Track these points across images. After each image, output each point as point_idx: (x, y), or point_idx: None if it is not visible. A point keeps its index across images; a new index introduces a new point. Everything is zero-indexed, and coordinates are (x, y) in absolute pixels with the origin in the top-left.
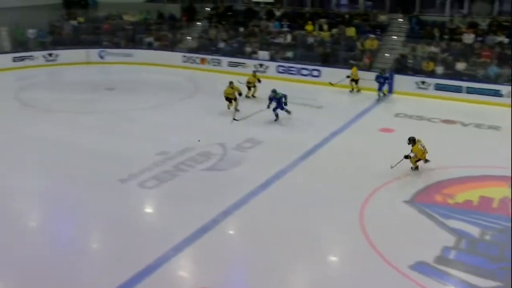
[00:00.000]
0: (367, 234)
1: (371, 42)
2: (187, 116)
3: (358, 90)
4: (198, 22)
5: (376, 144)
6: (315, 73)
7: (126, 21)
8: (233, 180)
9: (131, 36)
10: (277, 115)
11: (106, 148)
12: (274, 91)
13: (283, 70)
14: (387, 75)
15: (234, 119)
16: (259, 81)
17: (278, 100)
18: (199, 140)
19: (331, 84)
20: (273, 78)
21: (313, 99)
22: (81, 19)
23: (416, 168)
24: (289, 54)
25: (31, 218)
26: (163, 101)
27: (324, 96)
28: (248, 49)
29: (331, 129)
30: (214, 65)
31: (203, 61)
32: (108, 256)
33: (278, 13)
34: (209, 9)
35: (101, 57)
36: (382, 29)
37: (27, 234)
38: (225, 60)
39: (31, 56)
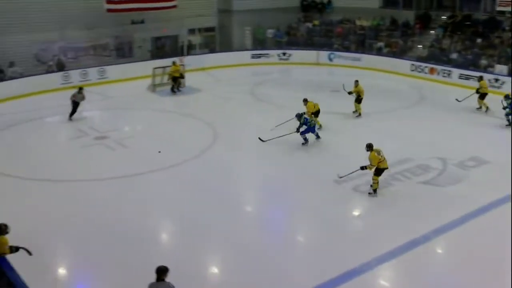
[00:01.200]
0: None
1: None
2: (409, 125)
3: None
4: (431, 30)
5: None
6: None
7: (358, 25)
8: (451, 198)
9: (361, 41)
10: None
11: (325, 147)
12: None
13: None
14: None
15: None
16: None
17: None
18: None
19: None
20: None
21: None
22: (316, 22)
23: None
24: None
25: (246, 202)
26: (385, 108)
27: None
28: (483, 62)
29: None
30: (444, 76)
31: (432, 71)
32: (313, 253)
33: None
34: (445, 17)
35: (330, 59)
36: None
37: (241, 218)
38: (456, 71)
39: (267, 54)
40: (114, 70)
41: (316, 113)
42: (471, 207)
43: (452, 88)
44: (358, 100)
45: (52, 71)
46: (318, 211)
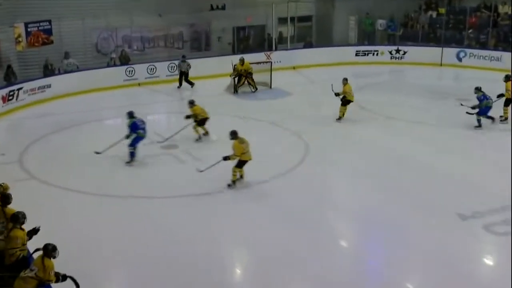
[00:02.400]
0: None
1: None
2: None
3: None
4: None
5: None
6: None
7: (502, 14)
8: None
9: (504, 34)
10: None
11: (449, 170)
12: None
13: None
14: None
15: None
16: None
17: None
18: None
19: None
20: None
21: None
22: (442, 10)
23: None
24: None
25: (341, 234)
26: None
27: None
28: None
29: None
30: None
31: None
32: None
33: None
34: None
35: (459, 59)
36: None
37: (335, 255)
38: None
39: (376, 50)
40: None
41: (202, 121)
42: None
43: None
44: (344, 102)
45: (114, 65)
46: (436, 254)
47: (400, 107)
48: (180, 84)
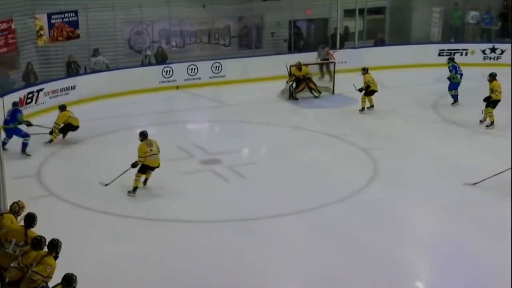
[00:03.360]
0: None
1: None
2: None
3: None
4: None
5: None
6: None
7: None
8: None
9: None
10: None
11: None
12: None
13: None
14: None
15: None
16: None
17: None
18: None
19: None
20: None
21: None
22: None
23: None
24: None
25: (413, 273)
26: None
27: None
28: None
29: None
30: None
31: None
32: None
33: None
34: None
35: None
36: None
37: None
38: None
39: (466, 49)
40: (235, 66)
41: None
42: None
43: None
44: (368, 92)
45: (149, 64)
46: None
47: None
48: (322, 74)
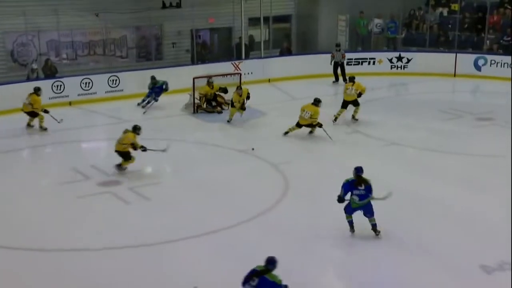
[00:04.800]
0: None
1: None
2: None
3: None
4: None
5: None
6: None
7: None
8: None
9: None
10: None
11: (469, 212)
12: None
13: None
14: None
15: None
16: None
17: None
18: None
19: None
20: None
21: None
22: (455, 6)
23: None
24: None
25: None
26: None
27: None
28: None
29: None
30: None
31: None
32: None
33: None
34: None
35: (478, 67)
36: None
37: None
38: None
39: (373, 58)
40: (134, 79)
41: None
42: None
43: None
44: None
45: (37, 78)
46: None
47: (405, 130)
48: (336, 78)
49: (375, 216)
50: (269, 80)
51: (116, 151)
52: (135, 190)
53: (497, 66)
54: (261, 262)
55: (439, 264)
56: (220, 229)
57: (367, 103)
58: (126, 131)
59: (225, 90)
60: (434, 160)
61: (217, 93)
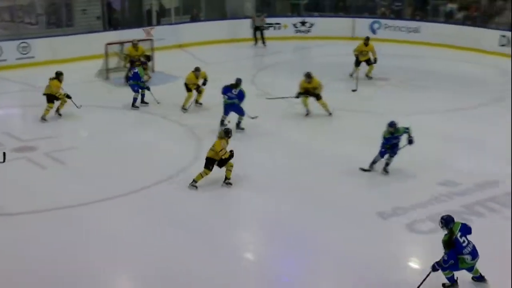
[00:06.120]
0: None
1: None
2: (494, 132)
3: None
4: None
5: None
6: None
7: None
8: None
9: (421, 2)
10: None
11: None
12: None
13: None
14: None
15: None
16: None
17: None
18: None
19: None
20: None
21: None
22: None
23: None
24: None
25: (244, 246)
26: (456, 105)
27: None
28: None
29: None
30: None
31: None
32: None
33: None
34: None
35: (373, 31)
36: None
37: (239, 270)
38: None
39: (278, 23)
40: (44, 47)
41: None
42: None
43: None
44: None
45: None
46: (351, 257)
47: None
48: (256, 41)
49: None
50: (180, 46)
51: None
52: (51, 155)
53: (390, 29)
54: (180, 221)
55: (340, 213)
56: (136, 189)
57: (276, 66)
58: (51, 79)
59: (148, 58)
60: (336, 118)
61: (141, 58)
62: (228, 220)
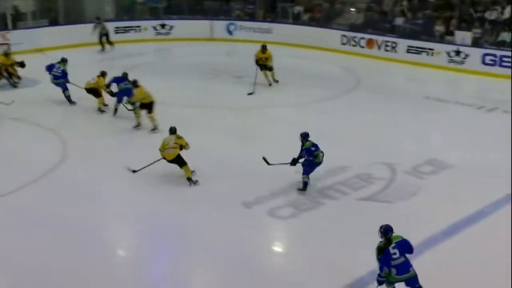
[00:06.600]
0: None
1: None
2: (341, 121)
3: None
4: None
5: None
6: None
7: None
8: (402, 219)
9: (271, 4)
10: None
11: (231, 157)
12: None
13: (492, 61)
14: None
15: None
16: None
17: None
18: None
19: None
20: (476, 73)
21: None
22: None
23: None
24: (506, 37)
25: (117, 241)
26: (308, 98)
27: None
28: (439, 28)
29: None
30: (387, 51)
31: (370, 43)
32: None
33: None
34: None
35: (230, 32)
36: None
37: (114, 264)
38: (403, 43)
39: (138, 26)
40: None
41: (148, 105)
42: (430, 231)
43: (398, 65)
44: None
45: None
46: (219, 247)
47: (170, 90)
48: (103, 46)
49: None
50: (41, 50)
51: None
52: None
53: (245, 30)
54: (52, 218)
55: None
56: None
57: (138, 68)
58: None
59: (22, 64)
60: (200, 114)
61: (15, 66)
62: (96, 218)
